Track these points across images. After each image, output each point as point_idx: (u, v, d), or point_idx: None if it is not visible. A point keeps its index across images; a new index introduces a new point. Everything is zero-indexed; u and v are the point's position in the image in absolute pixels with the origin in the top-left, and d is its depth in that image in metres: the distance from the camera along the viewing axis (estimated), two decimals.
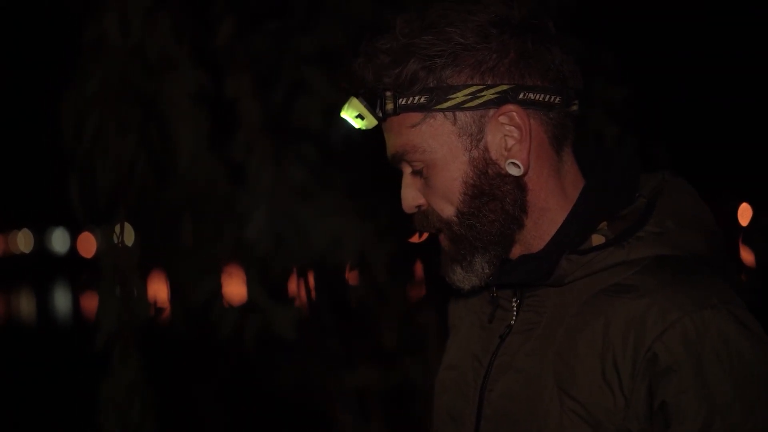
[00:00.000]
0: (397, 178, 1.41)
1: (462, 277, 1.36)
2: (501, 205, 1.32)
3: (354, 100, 1.34)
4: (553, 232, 1.34)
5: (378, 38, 1.32)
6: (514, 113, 1.29)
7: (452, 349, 1.55)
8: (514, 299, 1.38)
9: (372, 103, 1.33)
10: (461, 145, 1.31)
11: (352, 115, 1.35)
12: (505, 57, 1.29)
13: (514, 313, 1.38)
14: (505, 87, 1.28)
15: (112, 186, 3.07)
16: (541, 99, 1.30)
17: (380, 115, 1.33)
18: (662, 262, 1.26)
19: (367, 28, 1.35)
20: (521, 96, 1.29)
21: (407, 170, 1.37)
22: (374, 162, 1.47)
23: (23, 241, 43.48)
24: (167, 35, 3.10)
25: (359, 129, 1.37)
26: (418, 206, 1.38)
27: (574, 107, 1.34)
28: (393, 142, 1.35)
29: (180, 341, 3.98)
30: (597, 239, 1.30)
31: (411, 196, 1.38)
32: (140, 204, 3.17)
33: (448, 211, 1.34)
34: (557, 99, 1.31)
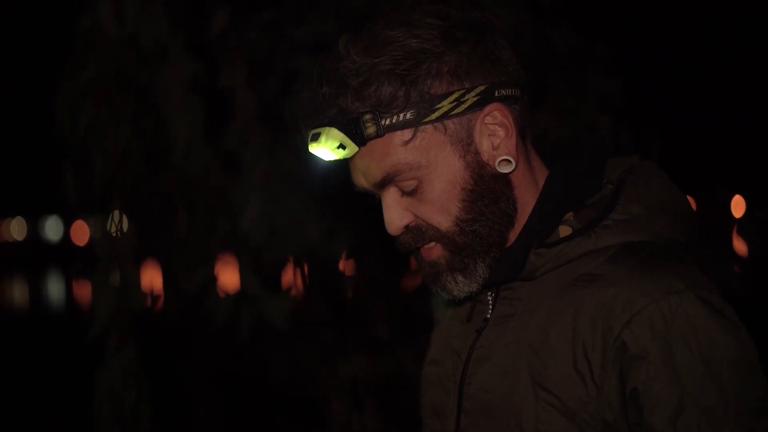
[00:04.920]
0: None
1: (462, 286, 1.34)
2: (498, 206, 1.32)
3: (333, 131, 1.27)
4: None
5: (333, 63, 1.28)
6: (497, 111, 1.29)
7: (435, 343, 1.55)
8: (490, 293, 1.38)
9: (350, 131, 1.27)
10: (455, 152, 1.29)
11: (333, 147, 1.28)
12: (474, 58, 1.28)
13: (491, 306, 1.38)
14: (482, 87, 1.28)
15: (106, 174, 3.08)
16: (510, 93, 1.31)
17: (362, 140, 1.27)
18: (630, 249, 1.26)
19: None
20: (497, 93, 1.29)
21: (388, 192, 1.33)
22: None
23: (16, 228, 43.42)
24: (162, 25, 3.10)
25: (334, 161, 1.31)
26: (407, 225, 1.34)
27: (526, 97, 1.35)
28: (378, 166, 1.30)
29: (174, 330, 3.99)
30: (564, 230, 1.30)
31: (397, 216, 1.33)
32: (135, 193, 3.17)
33: (446, 222, 1.31)
34: (518, 91, 1.32)
